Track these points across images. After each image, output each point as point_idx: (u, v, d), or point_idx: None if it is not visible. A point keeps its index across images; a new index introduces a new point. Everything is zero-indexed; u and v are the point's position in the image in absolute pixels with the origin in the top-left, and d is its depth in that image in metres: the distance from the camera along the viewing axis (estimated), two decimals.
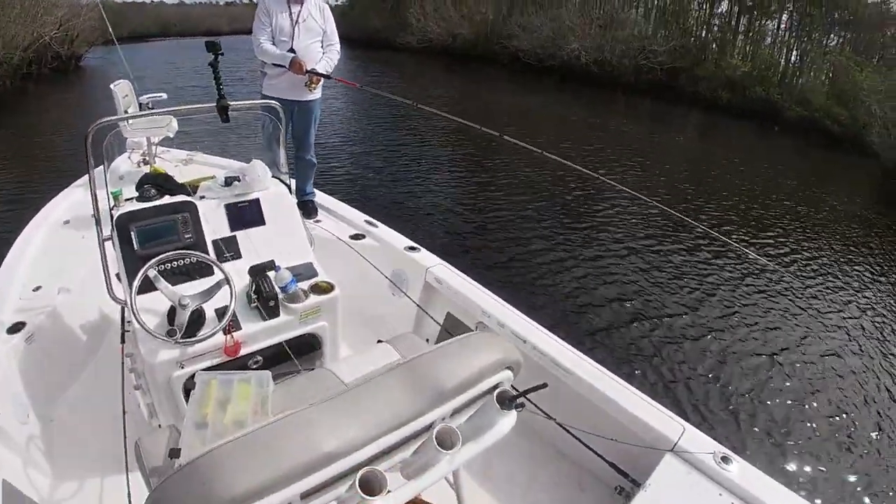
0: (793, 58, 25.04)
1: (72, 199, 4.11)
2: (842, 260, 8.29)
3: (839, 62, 21.60)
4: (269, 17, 3.93)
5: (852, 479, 3.99)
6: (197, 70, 21.49)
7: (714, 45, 26.42)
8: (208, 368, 2.14)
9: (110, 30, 3.75)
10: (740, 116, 20.80)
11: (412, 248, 3.44)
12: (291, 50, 3.94)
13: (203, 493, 0.99)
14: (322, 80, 4.12)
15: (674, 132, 17.67)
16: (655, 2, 28.60)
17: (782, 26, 25.74)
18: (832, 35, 24.36)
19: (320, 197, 4.24)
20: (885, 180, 13.43)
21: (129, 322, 2.33)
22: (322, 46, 4.14)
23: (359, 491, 1.04)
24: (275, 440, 1.10)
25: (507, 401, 1.38)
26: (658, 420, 2.16)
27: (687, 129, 19.37)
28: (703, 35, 27.26)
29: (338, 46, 4.24)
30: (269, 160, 2.90)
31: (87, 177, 2.42)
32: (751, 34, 26.12)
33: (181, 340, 2.07)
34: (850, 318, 6.44)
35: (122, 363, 2.35)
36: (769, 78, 23.38)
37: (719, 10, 27.16)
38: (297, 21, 3.96)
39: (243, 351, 2.23)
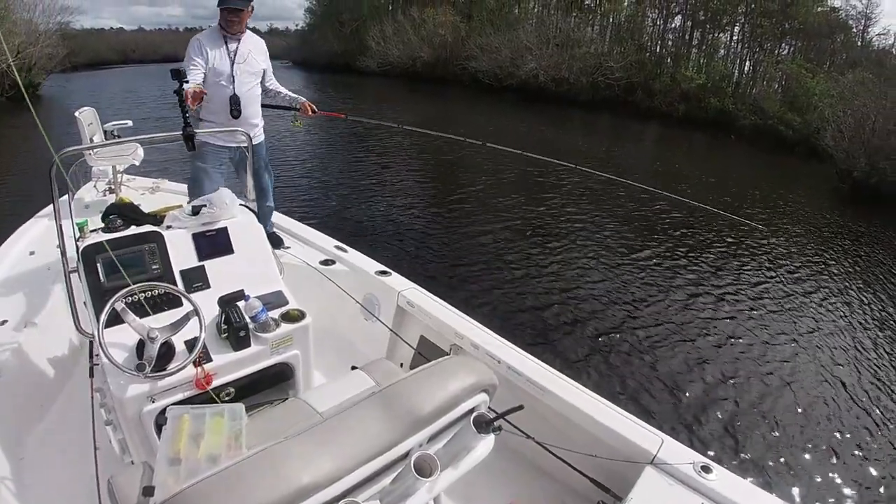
0: (746, 68, 25.95)
1: (37, 230, 3.97)
2: (807, 260, 8.61)
3: (791, 70, 22.37)
4: (203, 56, 3.41)
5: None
6: (155, 98, 21.22)
7: (669, 60, 27.19)
8: (180, 402, 2.09)
9: None
10: (696, 127, 21.40)
11: (383, 272, 3.41)
12: (234, 96, 3.52)
13: None
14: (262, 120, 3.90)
15: (631, 145, 18.01)
16: (610, 19, 29.34)
17: (734, 38, 26.63)
18: (783, 44, 25.30)
19: (289, 223, 4.17)
20: (839, 182, 13.94)
21: (97, 356, 2.26)
22: (258, 88, 3.76)
23: None
24: (248, 476, 1.08)
25: (483, 424, 1.38)
26: (636, 433, 2.16)
27: (644, 142, 19.77)
28: (658, 50, 28.04)
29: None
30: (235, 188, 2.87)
31: (52, 207, 2.36)
32: (704, 47, 26.95)
33: (151, 375, 2.01)
34: (820, 314, 6.72)
35: (92, 398, 2.28)
36: (723, 89, 24.15)
37: (673, 25, 28.05)
38: (236, 61, 3.51)
39: (215, 383, 2.17)
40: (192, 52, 3.39)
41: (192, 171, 3.62)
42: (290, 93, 3.97)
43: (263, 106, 3.89)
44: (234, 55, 3.49)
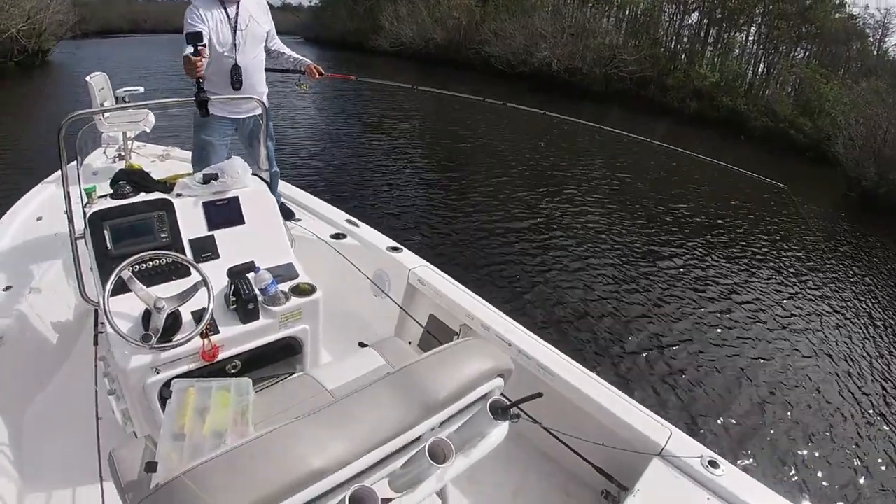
0: (760, 69, 25.72)
1: (45, 195, 3.90)
2: (816, 264, 8.60)
3: (805, 74, 22.20)
4: (205, 23, 3.11)
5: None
6: (166, 69, 21.02)
7: (683, 56, 26.96)
8: (185, 374, 2.05)
9: None
10: (707, 126, 21.27)
11: (395, 249, 3.36)
12: (235, 66, 3.27)
13: None
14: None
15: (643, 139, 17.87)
16: (627, 11, 29.08)
17: (750, 38, 26.41)
18: (799, 48, 25.07)
19: (300, 194, 4.08)
20: (848, 189, 13.86)
21: (102, 324, 2.19)
22: (262, 54, 3.50)
23: None
24: (258, 457, 1.04)
25: (500, 411, 1.34)
26: (645, 424, 2.14)
27: (655, 136, 19.62)
28: (673, 45, 27.80)
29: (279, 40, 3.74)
30: (248, 157, 2.81)
31: (59, 172, 2.30)
32: (720, 46, 26.74)
33: (157, 346, 1.95)
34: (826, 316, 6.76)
35: (96, 367, 2.24)
36: (736, 89, 23.95)
37: (689, 22, 27.77)
38: (238, 28, 3.22)
39: (221, 355, 2.13)
40: (192, 19, 3.10)
41: (197, 142, 3.46)
42: (294, 54, 3.75)
43: (267, 70, 3.64)
44: (236, 21, 3.22)
